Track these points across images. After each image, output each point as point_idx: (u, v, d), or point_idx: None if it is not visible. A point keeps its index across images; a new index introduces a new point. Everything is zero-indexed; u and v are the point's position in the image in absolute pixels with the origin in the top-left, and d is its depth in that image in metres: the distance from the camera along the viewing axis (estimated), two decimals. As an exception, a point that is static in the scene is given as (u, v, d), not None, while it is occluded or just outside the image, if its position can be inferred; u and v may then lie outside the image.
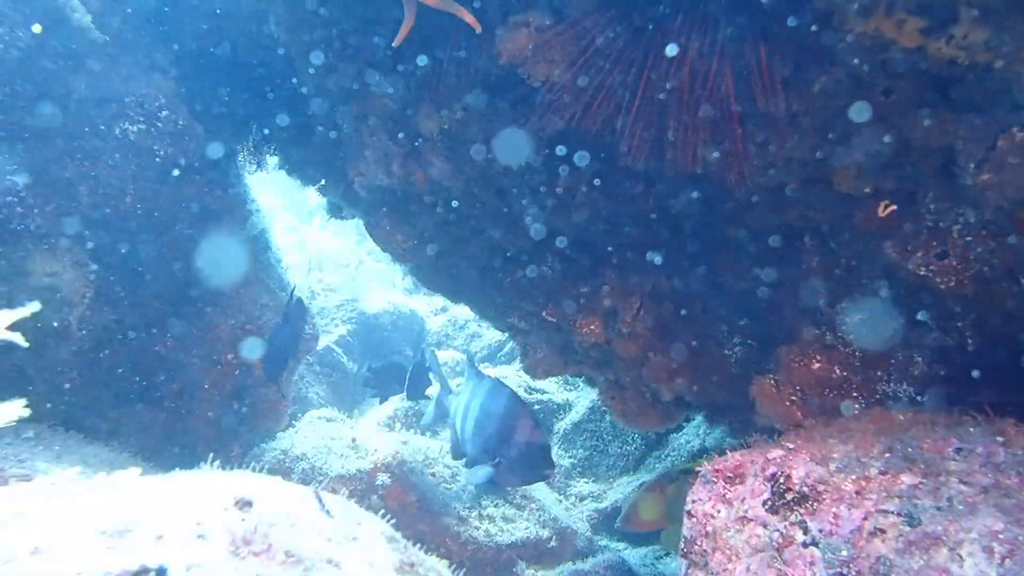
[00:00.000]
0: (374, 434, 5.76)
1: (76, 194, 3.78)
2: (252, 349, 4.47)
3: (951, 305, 2.78)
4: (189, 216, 4.22)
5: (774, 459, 2.40)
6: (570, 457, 6.75)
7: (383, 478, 4.98)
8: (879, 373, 3.09)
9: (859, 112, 2.60)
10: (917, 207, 2.75)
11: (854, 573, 1.97)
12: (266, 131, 4.52)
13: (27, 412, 1.66)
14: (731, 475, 2.48)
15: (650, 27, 2.96)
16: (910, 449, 2.26)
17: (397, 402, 6.75)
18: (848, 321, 2.85)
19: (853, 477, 2.21)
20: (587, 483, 6.56)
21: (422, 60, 3.37)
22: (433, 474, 5.47)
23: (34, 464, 2.87)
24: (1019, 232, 2.49)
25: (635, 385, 3.99)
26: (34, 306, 1.85)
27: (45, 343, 3.71)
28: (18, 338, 1.79)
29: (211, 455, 2.56)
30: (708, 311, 3.71)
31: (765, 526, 2.25)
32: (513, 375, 7.40)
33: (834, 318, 3.21)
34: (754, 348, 3.63)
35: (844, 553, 2.03)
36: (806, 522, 2.17)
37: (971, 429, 2.33)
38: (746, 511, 2.34)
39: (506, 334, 6.18)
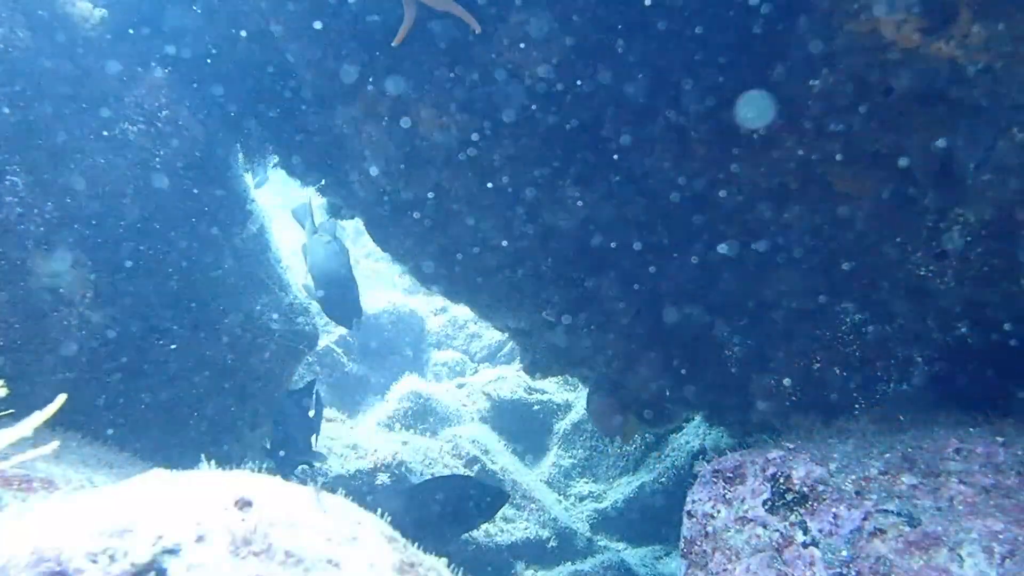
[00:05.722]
0: (374, 434, 5.77)
1: (76, 194, 3.78)
2: None
3: (951, 305, 2.78)
4: (188, 215, 4.22)
5: (774, 459, 2.40)
6: (570, 457, 6.75)
7: (383, 478, 4.99)
8: (879, 373, 3.09)
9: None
10: (917, 207, 2.74)
11: (854, 573, 1.97)
12: (266, 130, 4.51)
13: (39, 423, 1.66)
14: (731, 475, 2.48)
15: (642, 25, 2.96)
16: (910, 449, 2.26)
17: (396, 403, 6.76)
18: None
19: (853, 477, 2.21)
20: (587, 483, 6.56)
21: (421, 61, 3.37)
22: (432, 474, 5.47)
23: (34, 464, 2.87)
24: (1019, 232, 2.48)
25: (634, 385, 3.99)
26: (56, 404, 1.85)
27: (45, 343, 3.71)
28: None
29: (210, 455, 2.56)
30: (708, 311, 3.71)
31: (765, 526, 2.25)
32: (513, 375, 7.40)
33: (834, 318, 3.21)
34: (754, 348, 3.63)
35: (844, 553, 2.02)
36: (806, 522, 2.17)
37: (971, 429, 2.33)
38: (746, 511, 2.34)
39: (506, 334, 6.18)
